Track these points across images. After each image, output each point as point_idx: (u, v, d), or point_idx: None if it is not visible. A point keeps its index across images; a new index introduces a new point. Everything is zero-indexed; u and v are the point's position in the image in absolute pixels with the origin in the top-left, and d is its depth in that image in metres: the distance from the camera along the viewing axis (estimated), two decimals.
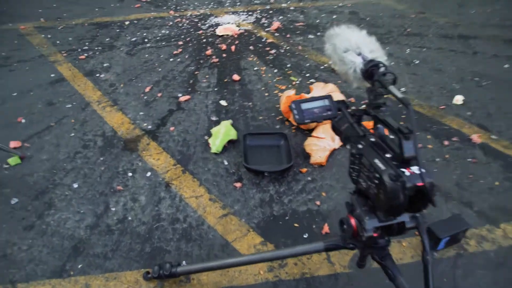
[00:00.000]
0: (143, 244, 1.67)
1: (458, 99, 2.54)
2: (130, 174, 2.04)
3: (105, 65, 3.03)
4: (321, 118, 1.13)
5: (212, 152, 2.16)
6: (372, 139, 1.00)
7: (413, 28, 3.47)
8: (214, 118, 2.42)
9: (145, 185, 1.98)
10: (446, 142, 2.22)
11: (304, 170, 2.05)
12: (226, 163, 2.11)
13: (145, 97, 2.63)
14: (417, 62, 2.93)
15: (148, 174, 2.04)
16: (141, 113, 2.49)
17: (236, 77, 2.76)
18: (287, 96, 2.31)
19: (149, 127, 2.38)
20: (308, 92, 2.60)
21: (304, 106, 1.12)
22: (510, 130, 2.35)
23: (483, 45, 3.14)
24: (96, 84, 2.78)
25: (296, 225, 1.77)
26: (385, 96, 1.05)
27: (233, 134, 2.22)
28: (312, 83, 2.72)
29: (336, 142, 2.17)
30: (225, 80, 2.79)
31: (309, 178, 2.01)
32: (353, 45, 1.11)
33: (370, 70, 1.06)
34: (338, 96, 2.31)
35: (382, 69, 1.03)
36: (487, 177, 2.04)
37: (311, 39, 3.31)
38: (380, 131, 1.03)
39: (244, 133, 2.23)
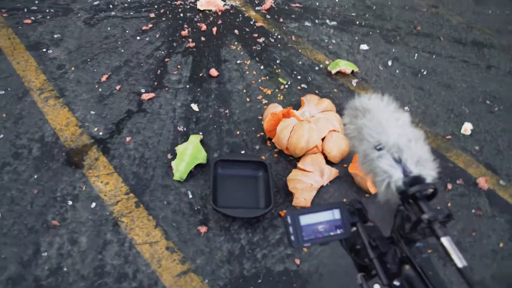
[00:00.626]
0: None
1: (467, 129, 2.23)
2: (70, 202, 1.64)
3: (55, 36, 2.47)
4: (328, 239, 0.77)
5: (174, 179, 1.77)
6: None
7: (424, 26, 3.04)
8: (181, 128, 2.01)
9: (88, 221, 1.59)
10: (449, 186, 1.93)
11: (283, 213, 1.71)
12: (190, 195, 1.74)
13: (100, 89, 2.15)
14: (425, 72, 2.56)
15: (93, 205, 1.65)
16: (93, 112, 2.03)
17: (214, 72, 2.30)
18: (273, 113, 1.91)
19: (100, 133, 1.94)
20: (297, 104, 2.21)
21: (304, 220, 0.76)
22: None
23: (498, 58, 2.79)
24: (41, 64, 2.25)
25: None
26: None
27: (202, 157, 1.83)
28: (303, 89, 2.31)
29: (326, 178, 1.83)
30: (201, 74, 2.33)
31: None
32: (391, 145, 0.74)
33: (413, 193, 0.71)
34: (334, 122, 1.93)
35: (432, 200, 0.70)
36: (491, 235, 1.79)
37: (307, 28, 2.83)
38: (409, 273, 0.70)
39: (215, 157, 1.85)
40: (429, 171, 0.72)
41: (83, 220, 1.59)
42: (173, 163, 1.79)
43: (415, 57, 2.68)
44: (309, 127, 1.84)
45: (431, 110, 2.33)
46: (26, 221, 1.56)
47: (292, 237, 0.75)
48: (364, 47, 2.71)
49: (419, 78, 2.52)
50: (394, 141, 0.75)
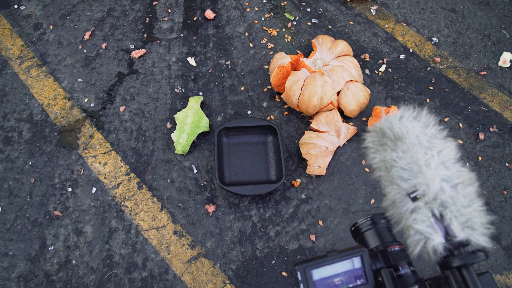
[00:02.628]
0: None
1: (506, 60, 1.90)
2: (69, 189, 1.56)
3: None
4: None
5: (176, 153, 1.63)
6: None
7: None
8: (179, 90, 1.80)
9: (91, 208, 1.52)
10: (481, 136, 1.71)
11: (297, 183, 1.58)
12: (195, 170, 1.61)
13: (85, 50, 1.91)
14: None
15: (93, 190, 1.56)
16: (80, 79, 1.83)
17: (209, 14, 1.99)
18: (279, 66, 1.65)
19: (92, 105, 1.76)
20: (308, 46, 1.91)
21: (317, 274, 0.63)
22: None
23: None
24: (15, 25, 1.99)
25: (284, 274, 1.41)
26: None
27: (204, 125, 1.66)
28: (314, 24, 1.99)
29: (342, 138, 1.65)
30: (195, 18, 2.02)
31: (303, 196, 1.56)
32: (431, 197, 0.57)
33: (457, 265, 0.55)
34: (351, 70, 1.67)
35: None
36: None
37: None
38: None
39: (219, 122, 1.67)
40: (479, 236, 0.55)
41: (85, 207, 1.52)
42: (173, 135, 1.63)
43: None
44: (323, 81, 1.60)
45: (464, 38, 1.97)
46: (27, 213, 1.51)
47: None
48: None
49: None
50: (435, 192, 0.56)
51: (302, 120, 1.74)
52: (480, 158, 1.67)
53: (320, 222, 1.51)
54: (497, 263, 1.44)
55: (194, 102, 1.69)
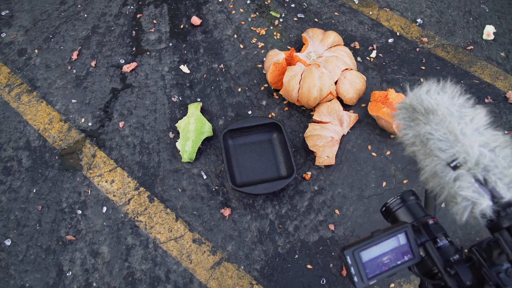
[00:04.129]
0: None
1: (489, 33, 1.96)
2: (79, 211, 1.52)
3: (3, 13, 2.10)
4: (395, 270, 0.65)
5: (183, 161, 1.62)
6: None
7: None
8: (176, 98, 1.78)
9: (104, 228, 1.49)
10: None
11: (308, 176, 1.59)
12: (204, 176, 1.60)
13: (74, 71, 1.88)
14: None
15: (104, 209, 1.52)
16: (74, 100, 1.79)
17: (196, 20, 1.98)
18: (275, 63, 1.66)
19: (89, 124, 1.73)
20: (298, 40, 1.93)
21: (366, 255, 0.63)
22: None
23: None
24: None
25: (309, 266, 1.41)
26: None
27: (207, 130, 1.65)
28: (300, 19, 2.00)
29: (346, 126, 1.66)
30: (182, 26, 2.01)
31: (315, 188, 1.57)
32: (473, 162, 0.58)
33: (507, 225, 0.56)
34: (345, 59, 1.69)
35: None
36: None
37: None
38: None
39: (221, 125, 1.67)
40: None
41: (98, 228, 1.48)
42: (177, 144, 1.61)
43: None
44: (320, 73, 1.61)
45: (447, 16, 2.03)
46: (39, 242, 1.46)
47: (355, 278, 0.62)
48: None
49: None
50: (476, 158, 0.57)
51: (303, 113, 1.75)
52: None
53: (337, 211, 1.51)
54: None
55: (194, 109, 1.68)
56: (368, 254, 0.63)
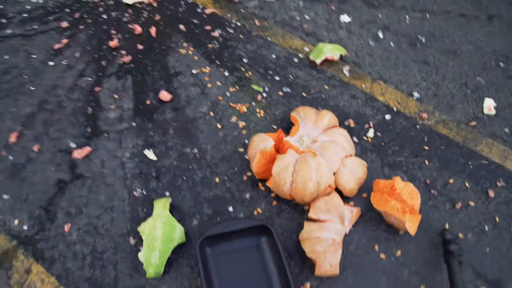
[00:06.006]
0: None
1: (490, 107, 1.80)
2: None
3: None
4: None
5: (148, 277, 1.25)
6: None
7: None
8: (139, 192, 1.44)
9: None
10: (490, 193, 1.53)
11: None
12: None
13: (11, 157, 1.52)
14: (423, 39, 2.06)
15: None
16: (6, 196, 1.41)
17: (165, 95, 1.70)
18: (262, 151, 1.38)
19: (24, 227, 1.35)
20: (285, 118, 1.68)
21: None
22: None
23: (497, 3, 2.32)
24: None
25: None
26: None
27: (178, 236, 1.30)
28: (287, 94, 1.77)
29: (347, 223, 1.36)
30: (148, 102, 1.72)
31: None
32: None
33: None
34: (344, 144, 1.43)
35: None
36: None
37: (270, 4, 2.21)
38: None
39: (195, 227, 1.33)
40: None
41: None
42: (141, 256, 1.25)
43: (407, 21, 2.17)
44: (317, 164, 1.33)
45: (443, 89, 1.86)
46: None
47: None
48: (345, 18, 2.16)
49: (419, 49, 2.03)
50: None
51: (296, 208, 1.45)
52: (497, 219, 1.47)
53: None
54: None
55: (162, 208, 1.34)
56: None
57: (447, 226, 1.45)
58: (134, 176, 1.48)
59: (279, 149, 1.47)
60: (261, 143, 1.41)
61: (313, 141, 1.45)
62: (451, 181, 1.56)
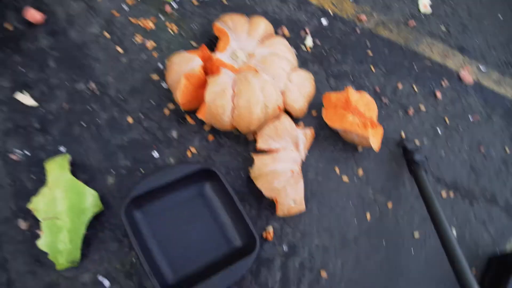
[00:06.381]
0: None
1: (426, 5, 1.67)
2: None
3: None
4: None
5: (60, 269, 0.90)
6: None
7: None
8: (19, 155, 1.02)
9: None
10: (438, 94, 1.46)
11: (270, 233, 1.06)
12: (106, 282, 0.92)
13: None
14: None
15: None
16: None
17: (34, 14, 1.18)
18: (187, 75, 1.04)
19: None
20: (206, 31, 1.32)
21: None
22: (491, 50, 1.68)
23: None
24: None
25: None
26: None
27: (91, 203, 0.95)
28: (202, 2, 1.38)
29: (302, 148, 1.14)
30: (8, 26, 1.19)
31: (285, 248, 1.04)
32: None
33: None
34: (287, 55, 1.15)
35: None
36: (496, 143, 1.44)
37: None
38: None
39: (115, 190, 0.99)
40: None
41: None
42: (41, 244, 0.88)
43: None
44: (262, 82, 1.05)
45: None
46: None
47: None
48: None
49: None
50: None
51: (238, 140, 1.18)
52: (447, 120, 1.41)
53: (323, 273, 1.02)
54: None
55: (58, 170, 0.95)
56: None
57: (403, 134, 1.33)
58: (7, 132, 1.03)
59: (207, 70, 1.14)
60: (184, 65, 1.06)
61: (249, 55, 1.14)
62: (400, 86, 1.42)
